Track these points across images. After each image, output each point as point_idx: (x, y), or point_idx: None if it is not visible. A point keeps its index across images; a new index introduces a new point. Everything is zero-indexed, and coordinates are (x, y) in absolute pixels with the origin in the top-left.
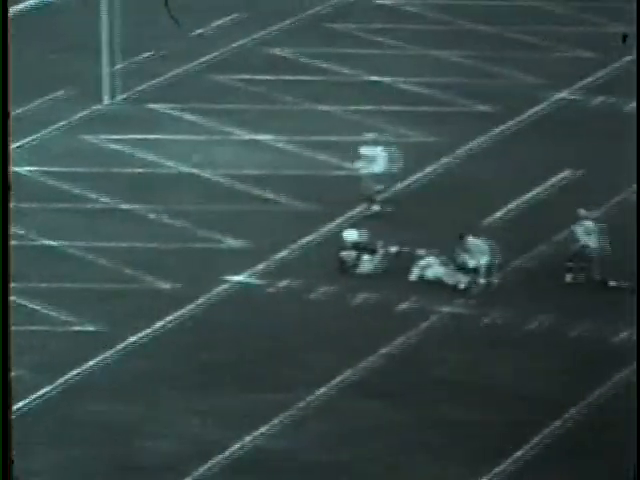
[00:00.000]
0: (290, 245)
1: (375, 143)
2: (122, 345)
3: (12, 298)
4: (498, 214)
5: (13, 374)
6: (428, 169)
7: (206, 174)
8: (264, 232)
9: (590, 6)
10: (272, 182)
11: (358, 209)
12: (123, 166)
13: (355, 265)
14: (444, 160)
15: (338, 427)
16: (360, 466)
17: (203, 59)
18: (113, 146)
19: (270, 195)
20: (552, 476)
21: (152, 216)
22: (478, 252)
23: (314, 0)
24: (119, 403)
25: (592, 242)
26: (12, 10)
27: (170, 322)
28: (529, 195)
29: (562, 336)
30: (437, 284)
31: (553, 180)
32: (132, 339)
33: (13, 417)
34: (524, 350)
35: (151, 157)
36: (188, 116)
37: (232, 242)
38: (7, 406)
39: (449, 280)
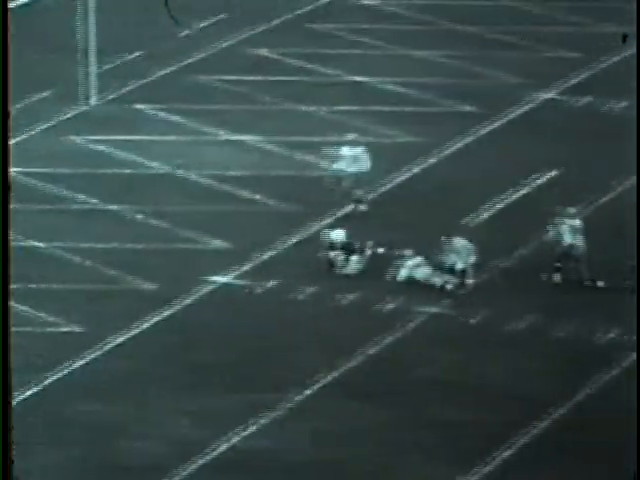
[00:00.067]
0: (274, 245)
1: (354, 144)
2: (107, 346)
3: None
4: (482, 214)
5: None
6: (413, 169)
7: (190, 175)
8: (248, 232)
9: (573, 6)
10: (255, 182)
11: (343, 210)
12: (107, 167)
13: (342, 266)
14: (427, 160)
15: (324, 427)
16: (347, 467)
17: (187, 60)
18: (97, 147)
19: (253, 195)
20: (538, 476)
21: (136, 217)
22: (465, 252)
23: (298, 1)
24: (104, 404)
25: (579, 241)
26: None
27: (154, 323)
28: (513, 195)
29: (548, 336)
30: (423, 284)
31: (536, 180)
32: (117, 340)
33: None
34: (510, 350)
35: (135, 158)
36: (172, 117)
37: (216, 243)
38: (7, 406)
39: (435, 280)
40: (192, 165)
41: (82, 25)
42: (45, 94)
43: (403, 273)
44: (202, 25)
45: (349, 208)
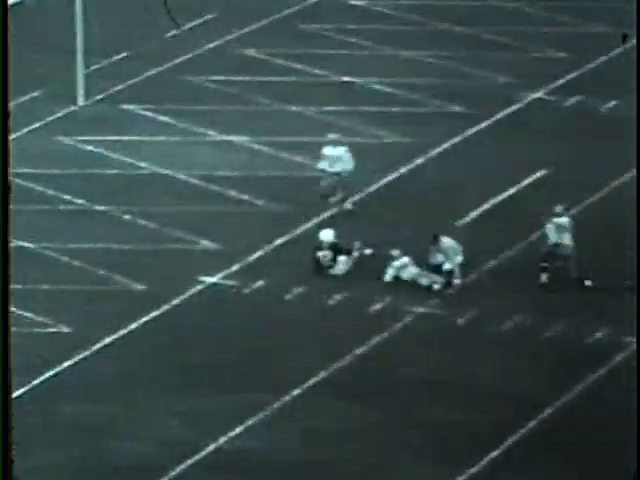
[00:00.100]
0: (264, 246)
1: (338, 144)
2: (96, 346)
3: None
4: (472, 214)
5: None
6: (401, 170)
7: (179, 175)
8: (236, 233)
9: (564, 6)
10: (244, 183)
11: (332, 210)
12: (96, 167)
13: (330, 266)
14: (415, 161)
15: (313, 427)
16: (336, 466)
17: (176, 60)
18: (86, 147)
19: (242, 196)
20: (526, 476)
21: (126, 217)
22: (452, 252)
23: (286, 1)
24: (93, 404)
25: (567, 239)
26: None
27: (145, 323)
28: (503, 195)
29: (537, 336)
30: (411, 284)
31: (527, 180)
32: (107, 340)
33: None
34: (498, 350)
35: (124, 158)
36: (161, 117)
37: (205, 243)
38: (7, 406)
39: (423, 280)
40: (181, 165)
41: (70, 25)
42: (34, 94)
43: (390, 273)
44: (190, 25)
45: (335, 208)
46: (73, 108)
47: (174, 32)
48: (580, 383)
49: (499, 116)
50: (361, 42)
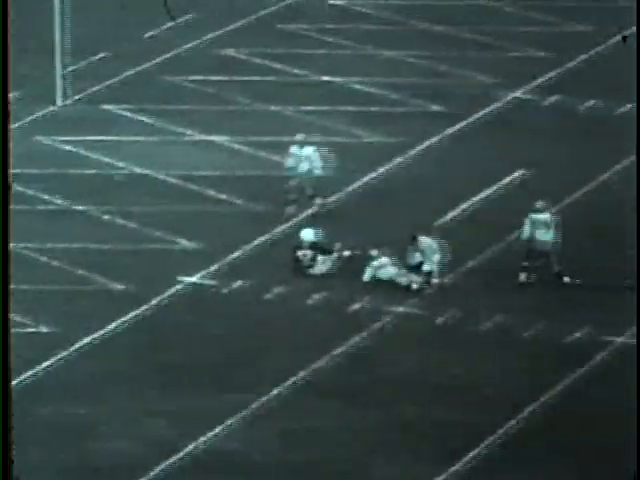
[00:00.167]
0: (243, 245)
1: (306, 143)
2: (76, 346)
3: None
4: (452, 214)
5: None
6: (381, 169)
7: (159, 175)
8: (216, 232)
9: (543, 6)
10: (224, 182)
11: (312, 209)
12: (75, 167)
13: (310, 265)
14: (397, 160)
15: (294, 427)
16: (316, 466)
17: (155, 60)
18: (65, 147)
19: (223, 196)
20: (506, 476)
21: (105, 217)
22: (431, 252)
23: (265, 1)
24: (73, 404)
25: (545, 236)
26: None
27: (124, 323)
28: (483, 194)
29: (516, 336)
30: (390, 284)
31: (507, 180)
32: (86, 340)
33: None
34: (477, 349)
35: (104, 158)
36: (140, 117)
37: (186, 243)
38: (7, 406)
39: (402, 280)
40: (160, 165)
41: (48, 26)
42: (13, 94)
43: (369, 273)
44: (169, 25)
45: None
46: (52, 108)
47: (152, 32)
48: (561, 382)
49: (479, 115)
50: (341, 42)
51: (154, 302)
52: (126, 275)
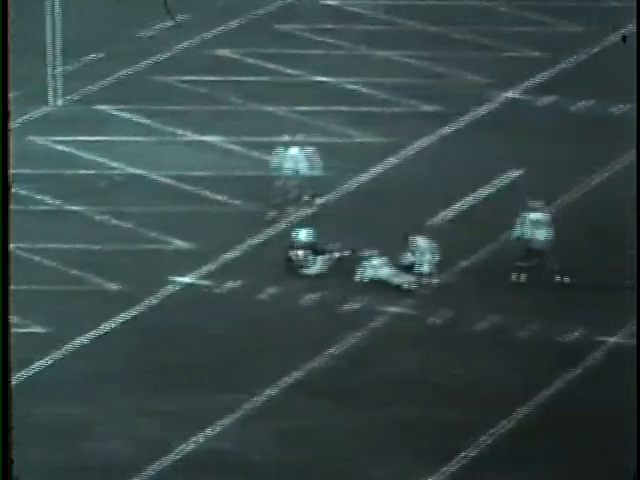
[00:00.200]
0: (237, 246)
1: (292, 144)
2: (70, 346)
3: None
4: (445, 214)
5: None
6: (374, 169)
7: (152, 175)
8: (211, 233)
9: (537, 6)
10: (218, 183)
11: (304, 210)
12: (70, 168)
13: (303, 265)
14: (390, 160)
15: (288, 427)
16: (310, 466)
17: (149, 60)
18: (60, 147)
19: (216, 196)
20: (498, 476)
21: (99, 217)
22: (424, 252)
23: (260, 1)
24: (67, 404)
25: (541, 235)
26: None
27: (118, 323)
28: (476, 194)
29: (511, 336)
30: (385, 284)
31: (500, 179)
32: (80, 340)
33: None
34: (473, 349)
35: (98, 158)
36: (135, 117)
37: (179, 243)
38: (7, 406)
39: (395, 280)
40: (154, 165)
41: (42, 26)
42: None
43: (364, 273)
44: (163, 25)
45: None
46: (46, 108)
47: (147, 32)
48: (555, 382)
49: (472, 116)
50: (335, 42)
51: (148, 302)
52: (120, 275)
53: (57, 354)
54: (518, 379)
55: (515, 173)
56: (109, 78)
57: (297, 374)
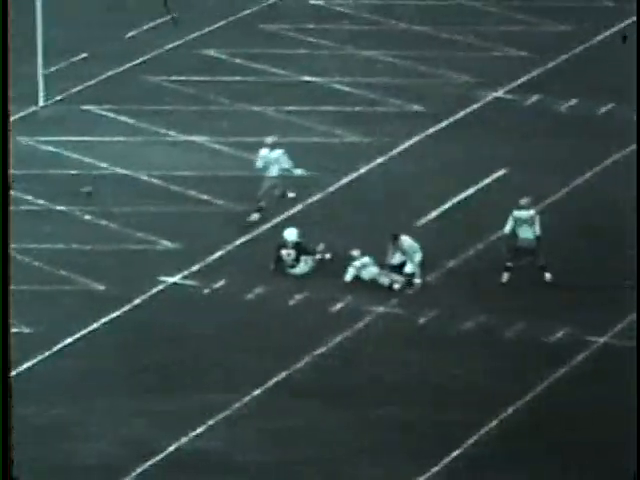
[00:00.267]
0: (224, 246)
1: (276, 145)
2: (57, 347)
3: None
4: (432, 214)
5: None
6: (361, 169)
7: (140, 175)
8: (197, 233)
9: (524, 5)
10: (205, 183)
11: (293, 210)
12: (56, 168)
13: (292, 265)
14: (377, 160)
15: (275, 427)
16: (296, 466)
17: (135, 61)
18: (47, 147)
19: (204, 196)
20: (487, 476)
21: (86, 217)
22: (412, 252)
23: (246, 1)
24: (54, 404)
25: (527, 233)
26: None
27: (105, 324)
28: (463, 194)
29: (498, 336)
30: (372, 284)
31: (487, 179)
32: (67, 340)
33: None
34: (459, 349)
35: (85, 158)
36: (121, 117)
37: (167, 243)
38: (7, 406)
39: (383, 280)
40: (141, 165)
41: (30, 26)
42: None
43: (351, 273)
44: (150, 25)
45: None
46: (33, 108)
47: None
48: (542, 382)
49: (459, 115)
50: (321, 42)
51: (135, 302)
52: (107, 275)
53: (44, 354)
54: (505, 379)
55: (502, 172)
56: (97, 78)
57: (284, 374)
